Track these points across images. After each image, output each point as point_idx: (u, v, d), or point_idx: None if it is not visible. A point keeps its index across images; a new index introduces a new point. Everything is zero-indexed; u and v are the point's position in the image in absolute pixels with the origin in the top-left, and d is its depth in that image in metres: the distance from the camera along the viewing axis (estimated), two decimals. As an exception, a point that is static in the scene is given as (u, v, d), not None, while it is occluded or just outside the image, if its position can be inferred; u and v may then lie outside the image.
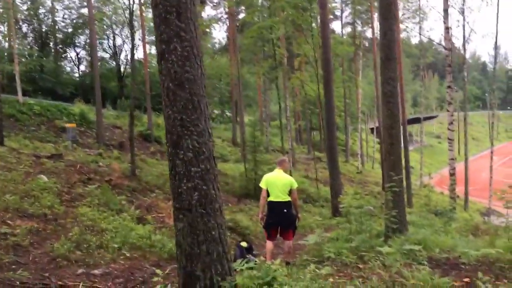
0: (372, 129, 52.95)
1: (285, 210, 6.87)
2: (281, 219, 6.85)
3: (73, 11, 38.87)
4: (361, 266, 6.33)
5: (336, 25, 62.70)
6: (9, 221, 6.63)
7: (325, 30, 14.86)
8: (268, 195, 6.93)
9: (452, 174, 14.89)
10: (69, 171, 13.85)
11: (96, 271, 5.34)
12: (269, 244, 6.93)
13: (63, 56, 41.06)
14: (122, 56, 43.27)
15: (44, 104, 24.54)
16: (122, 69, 42.78)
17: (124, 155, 22.44)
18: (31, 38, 38.17)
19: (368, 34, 43.07)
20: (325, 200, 19.83)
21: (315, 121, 46.64)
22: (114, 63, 43.20)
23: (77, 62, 42.08)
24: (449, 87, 15.07)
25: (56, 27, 38.95)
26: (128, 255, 6.45)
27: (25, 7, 36.63)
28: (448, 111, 15.47)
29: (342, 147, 44.76)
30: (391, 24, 8.33)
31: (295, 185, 7.09)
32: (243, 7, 34.87)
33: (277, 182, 6.89)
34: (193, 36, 3.63)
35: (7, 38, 32.59)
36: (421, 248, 7.32)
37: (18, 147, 16.43)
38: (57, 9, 38.23)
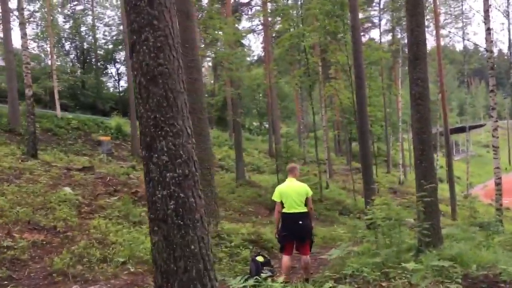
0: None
1: (300, 222, 6.33)
2: (296, 232, 6.31)
3: (113, 27, 39.88)
4: (384, 284, 5.71)
5: (374, 33, 61.45)
6: (15, 234, 6.43)
7: (356, 34, 14.24)
8: (283, 207, 6.42)
9: (497, 184, 13.82)
10: (97, 183, 13.81)
11: None
12: (285, 259, 6.40)
13: (104, 72, 42.08)
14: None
15: (82, 118, 25.01)
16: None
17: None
18: (73, 55, 39.33)
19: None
20: (361, 212, 19.00)
21: (354, 131, 45.58)
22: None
23: (117, 78, 43.00)
24: (492, 91, 14.05)
25: (97, 44, 40.01)
26: (132, 270, 6.10)
27: (67, 26, 37.84)
28: (491, 117, 14.42)
29: (383, 157, 43.41)
30: (418, 21, 7.70)
31: (311, 193, 6.57)
32: (278, 18, 34.66)
33: (291, 192, 6.37)
34: (168, 25, 3.23)
35: (49, 56, 33.60)
36: (456, 264, 6.63)
37: (51, 160, 16.62)
38: (98, 27, 39.32)
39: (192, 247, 3.19)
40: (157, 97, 3.18)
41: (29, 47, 32.58)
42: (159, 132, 3.18)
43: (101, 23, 39.06)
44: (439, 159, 37.88)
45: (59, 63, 35.89)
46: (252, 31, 38.92)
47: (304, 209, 6.41)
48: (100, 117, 28.73)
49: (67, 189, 11.15)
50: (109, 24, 39.52)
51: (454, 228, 12.79)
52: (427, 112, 7.69)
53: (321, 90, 26.07)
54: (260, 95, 48.10)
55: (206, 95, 36.12)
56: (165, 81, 3.20)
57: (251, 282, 4.04)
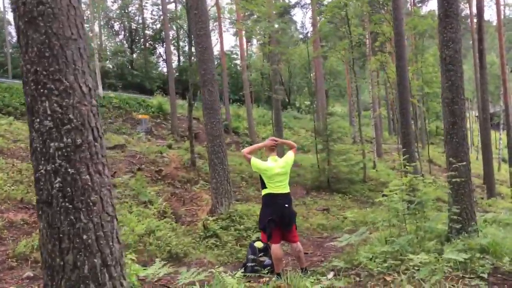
0: (477, 117, 47.91)
1: (286, 205, 5.56)
2: (283, 217, 5.50)
3: (160, 7, 39.75)
4: (388, 278, 4.82)
5: (432, 4, 57.76)
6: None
7: (396, 1, 12.91)
8: (265, 187, 5.61)
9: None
10: (123, 161, 13.58)
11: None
12: (276, 249, 5.55)
13: (152, 51, 42.30)
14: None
15: (124, 97, 25.09)
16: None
17: (196, 146, 22.17)
18: (122, 35, 39.76)
19: (467, 12, 38.73)
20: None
21: (411, 108, 43.31)
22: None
23: (165, 57, 43.02)
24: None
25: (145, 24, 40.17)
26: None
27: (115, 6, 38.19)
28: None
29: (441, 136, 41.08)
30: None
31: (290, 156, 5.90)
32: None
33: (278, 172, 5.60)
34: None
35: (97, 36, 34.10)
36: (488, 256, 5.63)
37: (86, 138, 16.60)
38: (145, 6, 39.39)
39: (85, 236, 2.50)
40: (37, 44, 2.47)
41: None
42: (41, 91, 2.49)
43: (148, 3, 39.09)
44: (502, 138, 35.22)
45: (109, 44, 36.43)
46: (297, 4, 37.50)
47: (288, 190, 5.65)
48: (143, 96, 28.77)
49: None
50: (157, 3, 39.46)
51: (507, 211, 11.46)
52: (459, 79, 6.55)
53: (367, 65, 24.56)
54: (313, 73, 46.72)
55: (254, 71, 35.55)
56: (48, 25, 2.49)
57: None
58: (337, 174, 18.12)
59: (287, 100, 52.90)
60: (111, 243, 2.61)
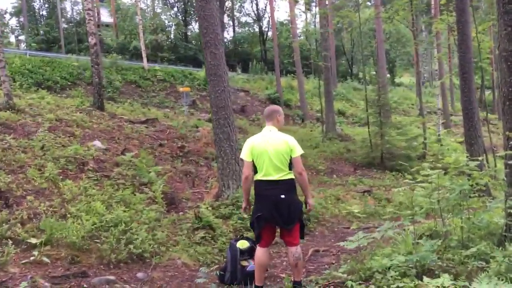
0: None
1: (283, 196, 4.06)
2: (277, 211, 4.04)
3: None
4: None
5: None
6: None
7: None
8: (256, 172, 4.19)
9: None
10: (149, 136, 12.67)
11: None
12: (259, 253, 4.16)
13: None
14: (265, 21, 41.61)
15: (169, 69, 24.34)
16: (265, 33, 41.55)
17: (242, 120, 20.99)
18: (176, 8, 39.05)
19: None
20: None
21: (488, 77, 39.27)
22: (257, 27, 42.17)
23: (220, 29, 41.98)
24: None
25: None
26: (54, 253, 4.48)
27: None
28: None
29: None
30: None
31: (298, 150, 4.14)
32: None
33: (269, 149, 4.08)
34: None
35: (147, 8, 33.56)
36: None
37: (120, 112, 15.92)
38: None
39: None
40: None
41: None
42: None
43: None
44: None
45: (163, 17, 35.83)
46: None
47: (288, 175, 4.12)
48: (192, 68, 27.88)
49: (96, 143, 10.02)
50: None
51: None
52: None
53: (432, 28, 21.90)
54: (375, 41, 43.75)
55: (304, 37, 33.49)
56: None
57: None
58: (391, 149, 16.18)
59: (349, 70, 50.25)
60: None
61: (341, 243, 4.87)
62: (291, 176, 4.14)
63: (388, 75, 50.61)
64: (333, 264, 5.37)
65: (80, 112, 13.44)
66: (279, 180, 4.07)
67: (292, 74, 30.54)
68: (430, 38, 25.23)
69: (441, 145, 20.92)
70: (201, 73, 25.31)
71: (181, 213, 6.90)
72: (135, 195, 6.83)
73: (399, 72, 58.23)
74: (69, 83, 18.87)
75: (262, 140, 4.14)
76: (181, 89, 19.74)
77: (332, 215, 8.17)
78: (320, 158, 15.57)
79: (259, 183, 4.14)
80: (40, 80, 17.82)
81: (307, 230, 7.17)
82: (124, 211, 5.66)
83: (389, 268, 4.18)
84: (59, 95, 17.33)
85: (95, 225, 5.02)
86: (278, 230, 4.31)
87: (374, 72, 50.34)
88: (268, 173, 4.07)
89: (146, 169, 8.12)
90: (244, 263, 4.70)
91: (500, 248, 4.67)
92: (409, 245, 4.69)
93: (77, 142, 9.64)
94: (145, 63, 23.04)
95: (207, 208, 6.84)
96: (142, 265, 4.77)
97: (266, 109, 4.44)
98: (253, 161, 4.16)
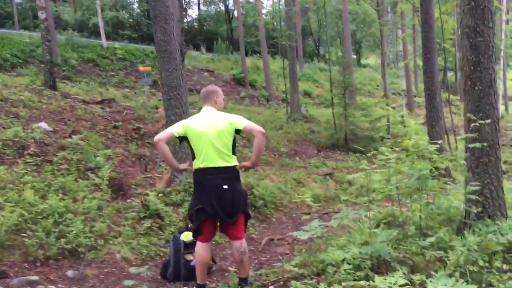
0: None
1: (225, 187, 3.64)
2: (219, 203, 3.63)
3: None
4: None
5: None
6: None
7: None
8: (193, 158, 3.77)
9: None
10: (103, 117, 12.02)
11: None
12: (200, 250, 3.76)
13: (171, 1, 40.01)
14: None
15: (130, 48, 23.41)
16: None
17: (205, 101, 20.39)
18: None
19: None
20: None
21: (451, 58, 39.68)
22: (223, 5, 41.23)
23: (185, 7, 40.79)
24: None
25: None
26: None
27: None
28: None
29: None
30: None
31: (244, 121, 3.72)
32: None
33: (209, 131, 3.65)
34: None
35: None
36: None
37: (74, 92, 15.12)
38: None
39: None
40: None
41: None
42: None
43: None
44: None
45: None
46: None
47: (232, 162, 3.72)
48: (152, 46, 26.90)
49: (42, 125, 9.36)
50: None
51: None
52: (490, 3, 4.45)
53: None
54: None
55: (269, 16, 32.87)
56: None
57: None
58: (355, 130, 16.03)
59: (316, 51, 50.03)
60: None
61: (295, 233, 4.52)
62: (235, 162, 3.74)
63: (354, 56, 50.68)
64: (287, 254, 5.05)
65: (29, 92, 12.65)
66: (222, 167, 3.66)
67: (258, 54, 29.97)
68: (395, 18, 25.08)
69: (404, 126, 21.00)
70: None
71: (129, 200, 6.42)
72: (77, 181, 6.30)
73: (365, 53, 58.35)
74: (20, 61, 17.82)
75: (201, 122, 3.70)
76: (141, 68, 18.95)
77: (291, 200, 7.86)
78: (284, 139, 15.27)
79: (198, 172, 3.71)
80: (-13, 58, 16.74)
81: (263, 217, 6.86)
82: (60, 200, 5.16)
83: (343, 261, 3.88)
84: (8, 73, 16.34)
85: (22, 217, 4.51)
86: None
87: (341, 54, 50.29)
88: (208, 159, 3.65)
89: (93, 153, 7.56)
90: (189, 257, 4.31)
91: (460, 236, 4.46)
92: (365, 235, 4.41)
93: (21, 124, 8.97)
94: (103, 41, 22.04)
95: (156, 195, 6.41)
96: (75, 262, 4.30)
97: (202, 91, 4.00)
98: (190, 146, 3.74)
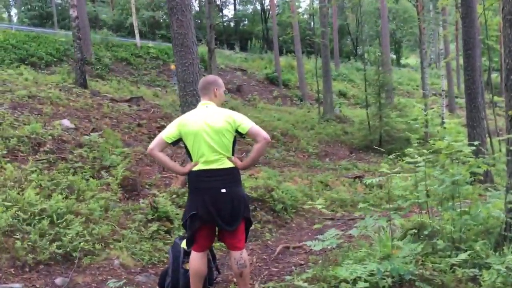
0: None
1: (223, 190, 3.22)
2: (217, 209, 3.20)
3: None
4: None
5: None
6: None
7: None
8: (191, 159, 3.36)
9: None
10: (129, 116, 11.88)
11: None
12: (194, 261, 3.37)
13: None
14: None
15: (163, 47, 23.36)
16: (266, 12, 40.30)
17: (236, 99, 20.08)
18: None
19: None
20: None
21: (496, 59, 37.91)
22: (259, 5, 40.92)
23: (221, 7, 40.75)
24: None
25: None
26: None
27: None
28: None
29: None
30: None
31: (248, 123, 3.26)
32: None
33: (205, 130, 3.23)
34: None
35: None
36: None
37: (105, 90, 15.10)
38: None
39: None
40: None
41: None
42: None
43: None
44: None
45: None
46: None
47: (230, 163, 3.30)
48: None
49: (65, 122, 9.24)
50: None
51: None
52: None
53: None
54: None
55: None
56: None
57: None
58: (390, 132, 15.30)
59: (354, 51, 48.93)
60: None
61: (308, 242, 4.06)
62: (231, 164, 3.31)
63: (394, 56, 49.31)
64: (301, 265, 4.58)
65: (59, 90, 12.66)
66: (219, 169, 3.24)
67: (293, 54, 29.46)
68: (436, 15, 24.02)
69: (444, 128, 20.01)
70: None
71: (141, 201, 6.11)
72: (88, 180, 6.05)
73: (405, 53, 56.69)
74: (55, 59, 18.00)
75: (197, 119, 3.29)
76: (172, 67, 18.80)
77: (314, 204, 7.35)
78: (315, 140, 14.74)
79: (194, 174, 3.30)
80: (24, 56, 16.95)
81: (282, 222, 6.41)
82: (64, 200, 4.89)
83: (359, 277, 3.39)
84: (43, 71, 16.50)
85: (17, 218, 4.24)
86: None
87: (380, 54, 48.96)
88: (205, 160, 3.25)
89: (109, 151, 7.32)
90: (188, 266, 3.92)
91: (498, 252, 3.89)
92: (387, 248, 3.90)
93: (43, 121, 8.87)
94: (137, 40, 22.09)
95: (169, 195, 6.08)
96: (68, 268, 3.99)
97: (200, 81, 3.59)
98: (185, 145, 3.36)
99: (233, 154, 3.34)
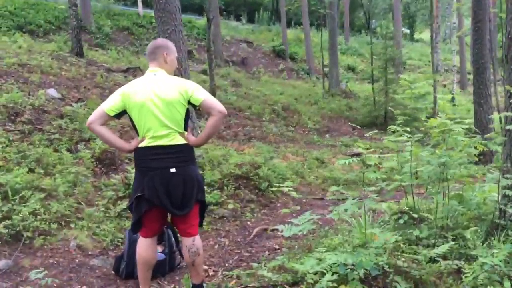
0: None
1: (173, 170, 2.85)
2: (166, 191, 2.85)
3: None
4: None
5: None
6: None
7: None
8: (137, 134, 2.99)
9: None
10: (121, 86, 11.48)
11: None
12: (141, 247, 3.03)
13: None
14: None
15: (167, 16, 22.70)
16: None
17: (240, 72, 19.56)
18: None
19: None
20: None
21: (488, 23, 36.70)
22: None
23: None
24: None
25: None
26: None
27: None
28: None
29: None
30: None
31: (202, 94, 2.88)
32: None
33: (153, 100, 2.84)
34: None
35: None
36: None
37: (103, 60, 14.69)
38: None
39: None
40: None
41: None
42: None
43: None
44: None
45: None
46: None
47: (181, 139, 2.92)
48: (189, 15, 26.15)
49: (50, 91, 8.90)
50: None
51: None
52: None
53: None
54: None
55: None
56: None
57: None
58: (396, 108, 14.73)
59: (366, 24, 47.70)
60: None
61: (279, 227, 3.69)
62: (183, 140, 2.93)
63: (407, 31, 48.04)
64: (276, 250, 4.24)
65: (53, 58, 12.29)
66: (169, 146, 2.87)
67: (301, 26, 28.65)
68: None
69: (454, 105, 19.38)
70: (201, 21, 23.78)
71: (117, 176, 5.77)
72: (61, 153, 5.72)
73: (419, 27, 55.15)
74: (53, 27, 17.53)
75: (144, 88, 2.90)
76: (174, 37, 18.31)
77: (305, 182, 6.99)
78: (317, 115, 14.27)
79: (140, 151, 2.93)
80: (22, 24, 16.53)
81: (267, 201, 6.06)
82: (26, 174, 4.57)
83: (331, 267, 3.03)
84: (41, 39, 16.09)
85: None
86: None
87: (392, 28, 47.65)
88: (152, 135, 2.87)
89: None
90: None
91: (488, 242, 3.53)
92: (363, 236, 3.53)
93: (28, 90, 8.54)
94: (140, 9, 21.53)
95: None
96: (19, 249, 3.69)
97: (149, 45, 3.17)
98: (130, 118, 2.97)
99: (185, 129, 2.95)
